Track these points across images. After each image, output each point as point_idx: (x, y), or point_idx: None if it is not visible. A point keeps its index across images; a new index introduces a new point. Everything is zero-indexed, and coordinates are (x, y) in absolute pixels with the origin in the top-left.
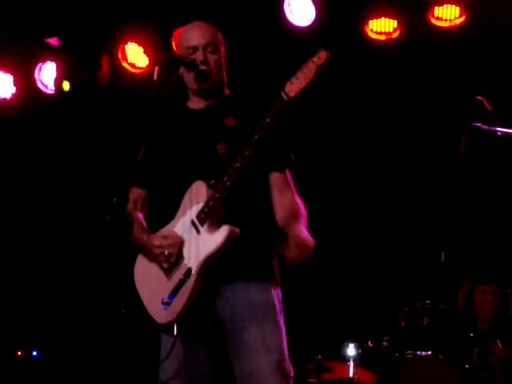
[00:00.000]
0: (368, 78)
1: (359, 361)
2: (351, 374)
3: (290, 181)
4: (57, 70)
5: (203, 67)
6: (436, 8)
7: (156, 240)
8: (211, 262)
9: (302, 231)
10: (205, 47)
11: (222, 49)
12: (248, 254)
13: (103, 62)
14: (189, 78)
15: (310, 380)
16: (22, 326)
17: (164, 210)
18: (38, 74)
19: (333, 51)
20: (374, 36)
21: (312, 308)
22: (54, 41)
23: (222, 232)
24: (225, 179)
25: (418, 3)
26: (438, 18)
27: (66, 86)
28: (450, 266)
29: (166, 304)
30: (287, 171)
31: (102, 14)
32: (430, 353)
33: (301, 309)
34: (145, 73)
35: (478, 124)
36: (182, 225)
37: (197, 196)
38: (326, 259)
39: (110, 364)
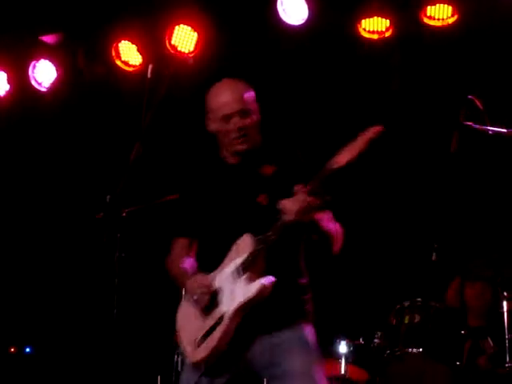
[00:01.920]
0: (360, 76)
1: (350, 358)
2: (343, 371)
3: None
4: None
5: (240, 133)
6: (428, 7)
7: (192, 283)
8: (244, 311)
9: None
10: (239, 113)
11: (255, 111)
12: (286, 304)
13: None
14: (226, 141)
15: None
16: (15, 323)
17: (210, 260)
18: (32, 72)
19: (325, 50)
20: (366, 35)
21: None
22: (48, 39)
23: (255, 285)
24: (269, 234)
25: (411, 2)
26: (430, 18)
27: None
28: (441, 265)
29: (198, 345)
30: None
31: (95, 12)
32: (420, 350)
33: None
34: (138, 71)
35: (470, 123)
36: (224, 273)
37: (243, 248)
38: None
39: (103, 362)
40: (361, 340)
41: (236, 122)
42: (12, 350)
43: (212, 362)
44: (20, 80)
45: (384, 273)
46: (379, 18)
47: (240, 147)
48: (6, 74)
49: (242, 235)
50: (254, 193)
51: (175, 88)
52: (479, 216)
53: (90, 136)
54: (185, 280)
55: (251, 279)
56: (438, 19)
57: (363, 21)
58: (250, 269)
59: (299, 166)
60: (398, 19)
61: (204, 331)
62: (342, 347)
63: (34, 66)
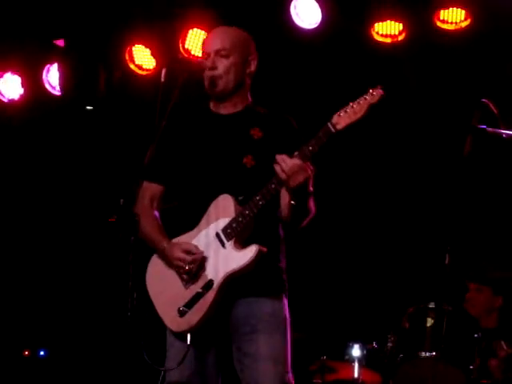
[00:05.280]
0: (373, 80)
1: (364, 361)
2: (356, 375)
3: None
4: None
5: (211, 73)
6: (441, 11)
7: (177, 252)
8: (233, 279)
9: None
10: (216, 52)
11: (237, 55)
12: (264, 271)
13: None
14: (205, 83)
15: (314, 380)
16: (29, 326)
17: (184, 217)
18: (46, 76)
19: (338, 53)
20: (379, 39)
21: (317, 308)
22: (62, 42)
23: (250, 252)
24: (257, 198)
25: (424, 6)
26: (443, 21)
27: None
28: (454, 269)
29: (182, 313)
30: None
31: (109, 16)
32: (434, 354)
33: (306, 309)
34: (152, 74)
35: (483, 126)
36: (204, 236)
37: (223, 210)
38: (332, 260)
39: (116, 364)
40: (374, 344)
41: (209, 60)
42: (26, 353)
43: (197, 330)
44: (34, 84)
45: (397, 276)
46: (392, 22)
47: (210, 91)
48: (20, 78)
49: (219, 195)
50: (240, 153)
51: (189, 92)
52: (492, 219)
53: (104, 139)
54: (162, 242)
55: (238, 245)
56: (451, 23)
57: (376, 24)
58: (236, 235)
59: (291, 135)
60: (410, 23)
61: (187, 299)
62: (356, 351)
63: (48, 70)
